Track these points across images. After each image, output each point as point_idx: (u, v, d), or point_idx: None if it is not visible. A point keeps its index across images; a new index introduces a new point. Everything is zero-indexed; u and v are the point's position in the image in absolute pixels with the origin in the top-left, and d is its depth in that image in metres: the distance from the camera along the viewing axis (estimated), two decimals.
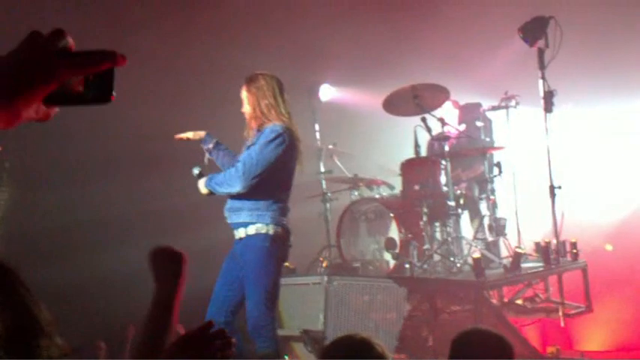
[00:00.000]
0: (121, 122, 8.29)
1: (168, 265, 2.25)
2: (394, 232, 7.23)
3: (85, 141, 8.43)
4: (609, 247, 9.54)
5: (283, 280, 7.03)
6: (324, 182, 8.62)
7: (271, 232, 5.30)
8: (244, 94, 5.50)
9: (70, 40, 1.29)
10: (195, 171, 5.53)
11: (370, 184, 8.31)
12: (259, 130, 5.38)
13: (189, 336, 2.03)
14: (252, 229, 5.30)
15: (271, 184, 5.35)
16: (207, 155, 5.73)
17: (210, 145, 5.72)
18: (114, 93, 1.35)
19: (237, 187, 5.27)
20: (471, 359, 3.07)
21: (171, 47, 8.51)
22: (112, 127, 8.37)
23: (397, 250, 7.09)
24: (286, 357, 7.02)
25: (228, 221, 5.46)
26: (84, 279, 8.06)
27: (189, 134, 5.74)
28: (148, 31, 8.14)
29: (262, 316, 5.21)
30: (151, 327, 2.17)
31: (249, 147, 5.37)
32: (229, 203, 5.45)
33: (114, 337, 7.89)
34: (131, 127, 8.56)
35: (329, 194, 8.62)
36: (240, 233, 5.36)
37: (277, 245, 5.35)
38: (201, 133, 5.74)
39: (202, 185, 5.44)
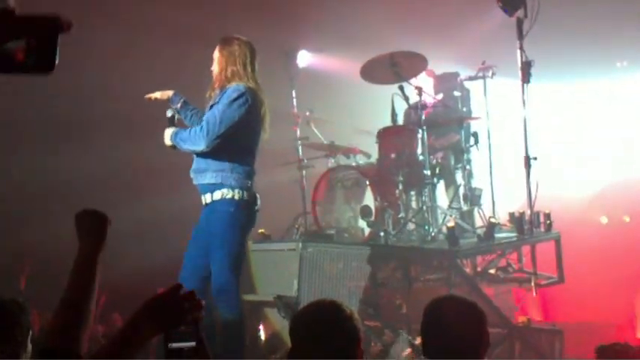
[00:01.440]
0: (90, 84, 8.20)
1: (91, 226, 2.26)
2: (370, 200, 7.23)
3: (51, 103, 8.30)
4: (604, 220, 9.62)
5: (258, 246, 7.07)
6: (300, 149, 8.59)
7: (237, 197, 5.28)
8: (216, 54, 5.48)
9: (12, 2, 1.24)
10: (169, 113, 5.53)
11: (347, 152, 8.29)
12: (221, 90, 5.36)
13: (158, 298, 2.02)
14: (217, 194, 5.29)
15: (235, 145, 5.33)
16: (175, 115, 5.66)
17: (179, 105, 5.68)
18: (56, 62, 1.29)
19: (200, 146, 5.25)
20: (443, 326, 3.08)
21: (140, 7, 8.34)
22: (80, 90, 8.25)
23: (372, 218, 7.10)
24: (260, 322, 7.05)
25: (194, 182, 5.43)
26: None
27: (157, 94, 5.70)
28: None
29: (226, 281, 5.22)
30: (74, 284, 2.15)
31: (211, 106, 5.35)
32: (195, 164, 5.43)
33: None
34: (101, 90, 8.43)
35: (305, 161, 8.59)
36: (206, 198, 5.35)
37: (243, 210, 5.34)
38: (169, 93, 5.70)
39: (168, 136, 5.41)
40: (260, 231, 7.36)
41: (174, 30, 8.64)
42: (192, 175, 5.46)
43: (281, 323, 6.57)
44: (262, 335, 7.03)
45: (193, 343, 1.98)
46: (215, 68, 5.47)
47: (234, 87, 5.31)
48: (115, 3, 8.23)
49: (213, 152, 5.28)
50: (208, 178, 5.32)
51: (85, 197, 8.31)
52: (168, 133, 5.41)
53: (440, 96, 8.14)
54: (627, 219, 10.84)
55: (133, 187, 8.67)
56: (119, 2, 8.27)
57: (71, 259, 2.19)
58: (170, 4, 8.40)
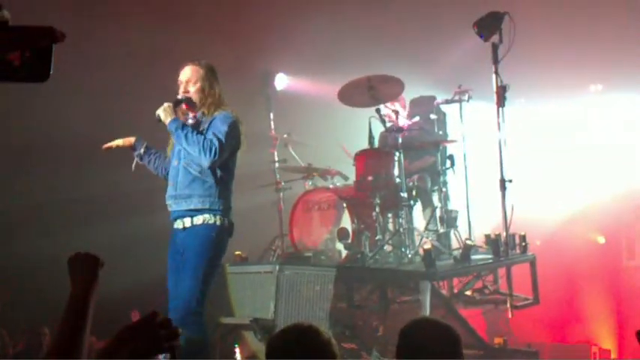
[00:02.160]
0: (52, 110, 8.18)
1: (83, 268, 2.29)
2: (347, 223, 7.26)
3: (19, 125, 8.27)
4: (537, 242, 9.70)
5: (235, 269, 7.08)
6: (277, 171, 8.61)
7: (219, 222, 5.27)
8: (196, 74, 5.43)
9: (7, 14, 1.25)
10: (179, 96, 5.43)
11: (324, 174, 8.32)
12: (205, 114, 5.37)
13: (134, 326, 2.00)
14: (199, 219, 5.26)
15: (224, 171, 5.35)
16: (136, 160, 5.65)
17: (142, 150, 5.65)
18: (51, 71, 1.31)
19: (204, 161, 5.18)
20: (418, 348, 3.10)
21: (110, 30, 8.31)
22: (46, 112, 8.21)
23: (349, 241, 7.12)
24: (236, 345, 7.02)
25: (173, 209, 5.38)
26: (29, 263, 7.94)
27: (119, 142, 5.66)
28: (79, 16, 7.96)
29: (196, 302, 5.15)
30: (66, 327, 2.15)
31: (200, 130, 5.29)
32: (175, 190, 5.36)
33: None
34: (67, 111, 8.39)
35: (283, 183, 8.61)
36: (184, 222, 5.30)
37: (223, 236, 5.34)
38: (131, 139, 5.66)
39: (169, 115, 5.29)
40: (237, 253, 7.37)
41: (151, 53, 8.64)
42: (171, 201, 5.39)
43: (257, 346, 6.57)
44: (238, 358, 7.01)
45: None
46: (194, 89, 5.42)
47: (227, 115, 5.33)
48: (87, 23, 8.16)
49: (203, 176, 5.28)
50: (194, 204, 5.27)
51: (55, 219, 8.28)
52: (169, 111, 5.31)
53: (416, 119, 8.21)
54: (602, 240, 10.96)
55: (101, 209, 8.61)
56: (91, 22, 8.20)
57: (42, 280, 2.20)
58: (147, 26, 8.38)
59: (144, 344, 1.95)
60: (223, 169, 5.32)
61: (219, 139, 5.19)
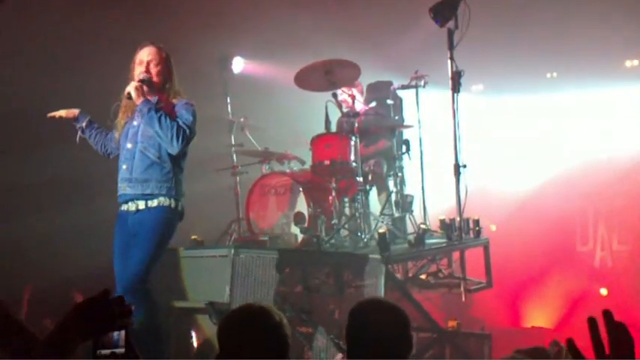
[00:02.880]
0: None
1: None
2: (303, 207, 7.27)
3: None
4: (493, 228, 9.84)
5: (190, 252, 7.07)
6: (234, 155, 8.59)
7: (173, 205, 5.29)
8: (157, 58, 5.42)
9: None
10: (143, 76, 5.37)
11: (281, 158, 8.32)
12: (158, 102, 5.33)
13: (87, 302, 1.99)
14: (154, 202, 5.26)
15: (182, 158, 5.38)
16: (79, 134, 5.64)
17: (84, 124, 5.64)
18: None
19: (174, 147, 5.18)
20: (366, 328, 3.13)
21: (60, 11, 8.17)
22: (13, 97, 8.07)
23: (306, 225, 7.14)
24: (192, 332, 7.01)
25: (127, 192, 5.33)
26: None
27: (62, 112, 5.63)
28: None
29: (140, 276, 5.16)
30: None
31: (150, 114, 5.24)
32: (131, 174, 5.32)
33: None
34: (33, 95, 8.24)
35: (239, 167, 8.59)
36: (138, 205, 5.28)
37: (174, 220, 5.36)
38: (75, 111, 5.64)
39: (141, 95, 5.24)
40: (193, 237, 7.35)
41: (101, 35, 8.49)
42: (124, 184, 5.35)
43: (212, 330, 6.56)
44: (194, 342, 7.00)
45: (122, 350, 1.97)
46: (155, 70, 5.40)
47: (188, 103, 5.37)
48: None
49: (161, 161, 5.26)
50: (151, 189, 5.26)
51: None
52: (141, 91, 5.26)
53: (373, 104, 8.24)
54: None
55: (44, 196, 8.47)
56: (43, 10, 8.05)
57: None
58: (98, 8, 8.24)
59: (97, 321, 1.95)
60: (181, 155, 5.34)
61: (188, 127, 5.21)
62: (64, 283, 7.50)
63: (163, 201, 5.26)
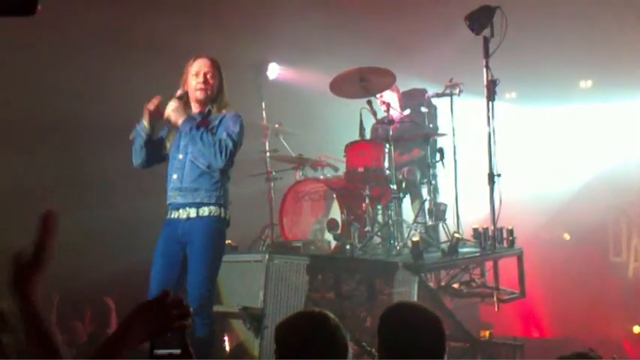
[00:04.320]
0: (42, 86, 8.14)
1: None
2: (336, 214, 7.30)
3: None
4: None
5: (225, 257, 7.06)
6: (268, 161, 8.63)
7: (223, 214, 5.39)
8: (212, 72, 5.48)
9: None
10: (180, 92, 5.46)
11: (315, 164, 8.35)
12: (214, 111, 5.47)
13: (146, 305, 2.02)
14: (205, 211, 5.33)
15: (229, 166, 5.45)
16: (139, 134, 5.52)
17: (152, 134, 5.56)
18: (38, 5, 1.29)
19: (218, 162, 5.27)
20: (400, 332, 3.12)
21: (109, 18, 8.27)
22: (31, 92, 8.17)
23: (339, 231, 7.16)
24: (225, 336, 7.07)
25: (178, 201, 5.40)
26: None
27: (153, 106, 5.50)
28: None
29: (207, 294, 5.26)
30: None
31: (210, 128, 5.35)
32: (182, 183, 5.40)
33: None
34: (54, 91, 8.33)
35: (273, 173, 8.64)
36: (189, 213, 5.35)
37: (225, 229, 5.46)
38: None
39: (182, 115, 5.30)
40: (227, 242, 7.39)
41: (143, 40, 8.61)
42: (175, 193, 5.42)
43: (246, 334, 6.62)
44: (227, 346, 7.06)
45: (179, 351, 1.99)
46: (211, 82, 5.47)
47: (237, 115, 5.46)
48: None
49: (210, 170, 5.35)
50: (201, 197, 5.34)
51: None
52: (181, 111, 5.34)
53: (407, 112, 8.26)
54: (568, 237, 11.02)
55: (76, 195, 8.56)
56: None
57: None
58: (139, 14, 8.35)
59: (156, 323, 1.98)
60: (229, 164, 5.42)
61: (233, 140, 5.30)
62: (90, 286, 7.58)
63: (214, 210, 5.34)
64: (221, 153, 5.24)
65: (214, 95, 5.52)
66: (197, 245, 5.29)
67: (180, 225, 5.38)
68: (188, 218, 5.36)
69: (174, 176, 5.46)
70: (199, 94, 5.48)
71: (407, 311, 3.28)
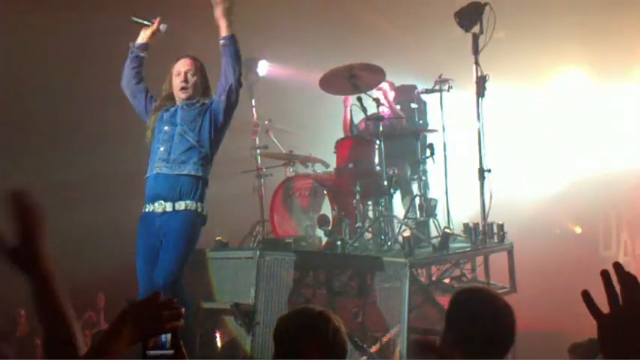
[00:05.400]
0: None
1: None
2: (327, 210, 7.30)
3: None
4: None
5: (216, 254, 7.12)
6: (259, 158, 8.63)
7: (199, 210, 5.45)
8: (193, 67, 5.68)
9: None
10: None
11: (305, 161, 8.36)
12: (198, 100, 5.64)
13: (136, 306, 2.02)
14: (181, 205, 5.38)
15: (215, 146, 5.60)
16: (134, 49, 5.82)
17: (142, 54, 5.83)
18: None
19: (235, 75, 5.55)
20: (473, 315, 2.93)
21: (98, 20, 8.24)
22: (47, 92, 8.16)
23: (330, 227, 7.16)
24: (216, 332, 7.07)
25: (163, 172, 5.45)
26: None
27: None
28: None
29: (170, 278, 5.31)
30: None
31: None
32: (169, 155, 5.48)
33: None
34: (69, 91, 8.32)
35: (264, 170, 8.64)
36: (165, 207, 5.39)
37: (200, 223, 5.52)
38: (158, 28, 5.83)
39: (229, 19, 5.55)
40: (217, 238, 7.41)
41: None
42: (161, 164, 5.48)
43: (238, 330, 6.62)
44: (219, 342, 7.06)
45: (171, 352, 1.99)
46: (192, 79, 5.65)
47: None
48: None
49: (199, 145, 5.46)
50: (188, 170, 5.43)
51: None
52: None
53: (397, 107, 8.27)
54: (579, 230, 11.08)
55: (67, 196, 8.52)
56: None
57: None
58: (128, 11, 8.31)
59: (146, 324, 1.96)
60: (216, 144, 5.58)
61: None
62: (84, 283, 7.56)
63: (191, 205, 5.38)
64: (240, 67, 5.56)
65: (200, 93, 5.64)
66: (171, 237, 5.36)
67: (156, 219, 5.43)
68: (164, 212, 5.40)
69: (162, 148, 5.52)
70: (182, 94, 5.62)
71: (480, 297, 3.11)
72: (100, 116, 8.17)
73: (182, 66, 5.67)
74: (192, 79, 5.64)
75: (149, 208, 5.48)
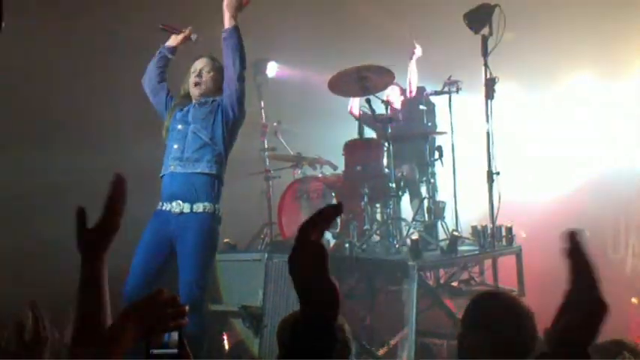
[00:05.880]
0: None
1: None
2: None
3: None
4: (523, 234, 9.73)
5: (224, 256, 7.12)
6: (267, 159, 8.63)
7: (216, 212, 5.41)
8: (209, 68, 5.70)
9: None
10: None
11: (313, 163, 8.36)
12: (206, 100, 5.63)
13: (139, 304, 1.97)
14: (199, 207, 5.33)
15: (230, 144, 5.59)
16: (165, 50, 5.86)
17: (170, 55, 5.88)
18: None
19: (242, 67, 5.50)
20: (493, 320, 2.85)
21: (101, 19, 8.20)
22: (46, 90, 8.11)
23: (338, 230, 7.16)
24: (224, 334, 7.07)
25: (178, 171, 5.43)
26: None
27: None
28: None
29: (199, 292, 5.26)
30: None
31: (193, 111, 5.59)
32: (183, 153, 5.47)
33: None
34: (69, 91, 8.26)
35: (272, 172, 8.64)
36: (183, 207, 5.35)
37: (217, 226, 5.47)
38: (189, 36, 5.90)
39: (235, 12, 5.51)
40: (225, 240, 7.40)
41: (140, 37, 8.54)
42: (175, 163, 5.47)
43: (245, 332, 6.62)
44: (226, 344, 7.06)
45: (175, 350, 1.96)
46: (207, 76, 5.67)
47: None
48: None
49: (212, 143, 5.46)
50: (202, 168, 5.41)
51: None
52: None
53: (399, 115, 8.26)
54: (587, 233, 11.00)
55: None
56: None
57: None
58: (133, 15, 8.29)
59: (150, 322, 1.92)
60: (230, 141, 5.57)
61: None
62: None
63: (209, 207, 5.35)
64: (244, 58, 5.49)
65: (213, 91, 5.65)
66: (190, 243, 5.29)
67: (172, 219, 5.37)
68: (181, 213, 5.35)
69: (175, 146, 5.52)
70: (196, 90, 5.63)
71: (503, 301, 3.00)
72: (92, 116, 8.14)
73: (199, 63, 5.70)
74: (206, 76, 5.65)
75: (166, 206, 5.43)
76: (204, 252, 5.34)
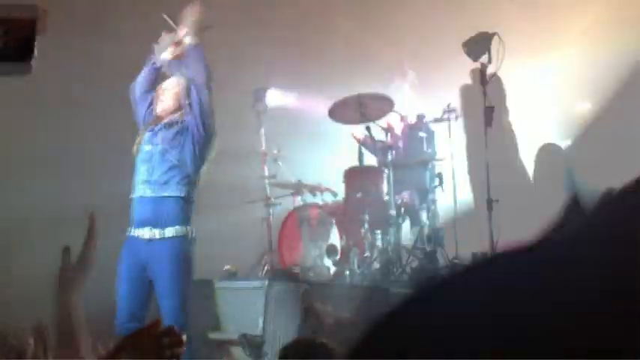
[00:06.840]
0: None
1: None
2: (336, 239, 7.30)
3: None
4: None
5: (224, 284, 7.10)
6: (267, 187, 8.63)
7: (189, 234, 5.30)
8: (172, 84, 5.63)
9: None
10: None
11: (314, 190, 8.36)
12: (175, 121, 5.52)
13: (135, 335, 1.98)
14: (170, 231, 5.23)
15: (197, 167, 5.44)
16: (155, 62, 5.70)
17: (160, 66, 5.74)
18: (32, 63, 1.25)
19: (204, 77, 5.41)
20: None
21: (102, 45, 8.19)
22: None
23: (338, 257, 7.16)
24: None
25: (147, 194, 5.30)
26: None
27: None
28: None
29: (184, 317, 5.18)
30: None
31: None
32: (151, 176, 5.33)
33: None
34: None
35: (272, 199, 8.63)
36: (154, 233, 5.24)
37: (190, 249, 5.35)
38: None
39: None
40: (226, 268, 7.39)
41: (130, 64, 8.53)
42: (144, 186, 5.34)
43: None
44: None
45: None
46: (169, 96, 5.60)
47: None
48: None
49: (180, 164, 5.33)
50: (170, 191, 5.28)
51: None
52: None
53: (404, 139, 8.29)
54: None
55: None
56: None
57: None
58: (129, 39, 8.28)
59: (146, 352, 1.92)
60: (201, 161, 5.43)
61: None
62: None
63: (179, 230, 5.25)
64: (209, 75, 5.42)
65: (174, 108, 5.62)
66: (166, 272, 5.20)
67: (142, 247, 5.27)
68: (150, 239, 5.24)
69: (142, 168, 5.40)
70: (157, 109, 5.64)
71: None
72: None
73: (164, 83, 5.70)
74: (167, 94, 5.60)
75: (135, 232, 5.33)
76: (181, 277, 5.23)
